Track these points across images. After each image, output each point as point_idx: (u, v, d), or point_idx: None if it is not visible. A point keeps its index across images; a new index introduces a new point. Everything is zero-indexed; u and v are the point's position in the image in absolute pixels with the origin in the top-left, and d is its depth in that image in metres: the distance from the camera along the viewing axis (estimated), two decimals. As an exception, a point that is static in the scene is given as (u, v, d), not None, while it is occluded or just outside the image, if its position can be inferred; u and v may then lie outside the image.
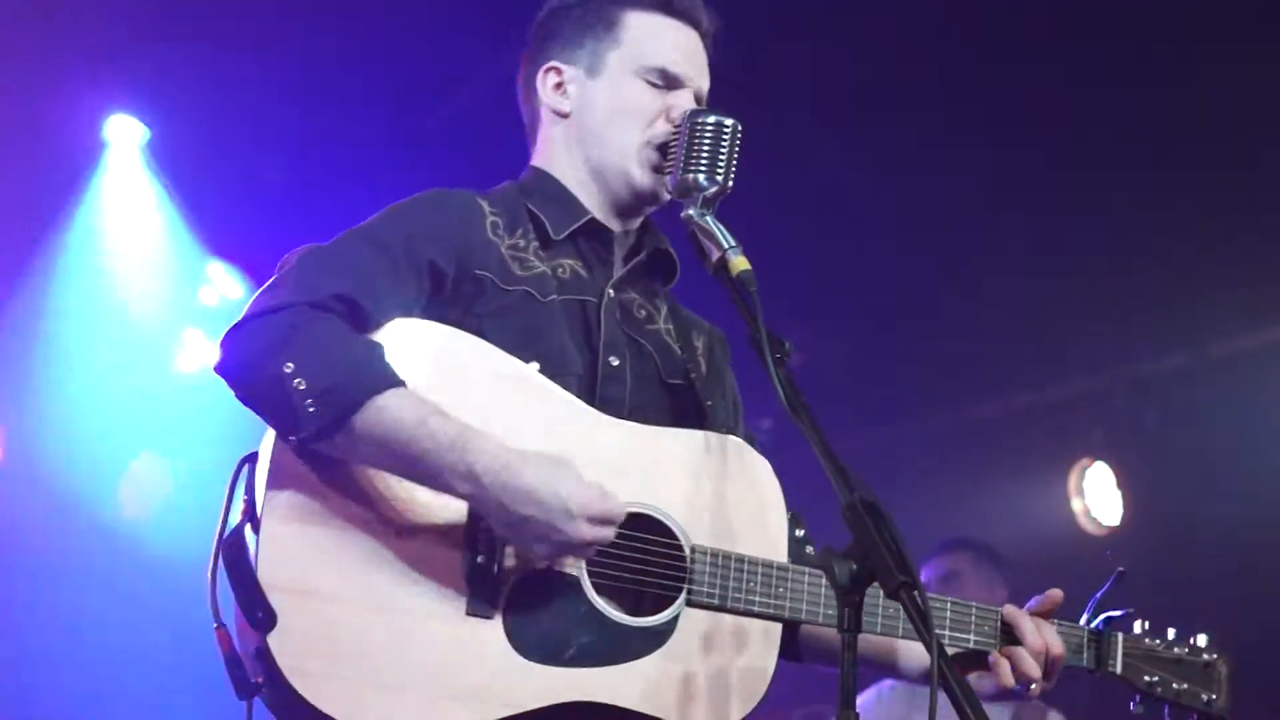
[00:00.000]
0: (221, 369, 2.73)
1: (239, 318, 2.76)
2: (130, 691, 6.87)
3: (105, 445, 7.19)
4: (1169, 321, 6.83)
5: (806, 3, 5.90)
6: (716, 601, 2.83)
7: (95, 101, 6.62)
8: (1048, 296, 6.81)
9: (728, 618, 2.86)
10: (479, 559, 2.71)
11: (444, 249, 2.90)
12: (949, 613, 3.05)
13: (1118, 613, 3.20)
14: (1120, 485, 7.36)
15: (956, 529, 6.30)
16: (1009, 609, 3.10)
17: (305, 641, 2.62)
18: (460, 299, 2.90)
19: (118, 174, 6.82)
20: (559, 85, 3.14)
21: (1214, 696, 3.22)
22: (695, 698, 2.82)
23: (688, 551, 2.84)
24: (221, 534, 2.71)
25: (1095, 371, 7.42)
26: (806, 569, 2.91)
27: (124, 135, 6.74)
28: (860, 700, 2.43)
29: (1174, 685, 3.20)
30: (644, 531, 2.83)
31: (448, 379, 2.76)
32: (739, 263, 2.83)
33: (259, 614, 2.61)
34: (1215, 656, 3.24)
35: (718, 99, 3.18)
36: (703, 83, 3.15)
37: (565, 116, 3.14)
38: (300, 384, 2.63)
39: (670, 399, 3.07)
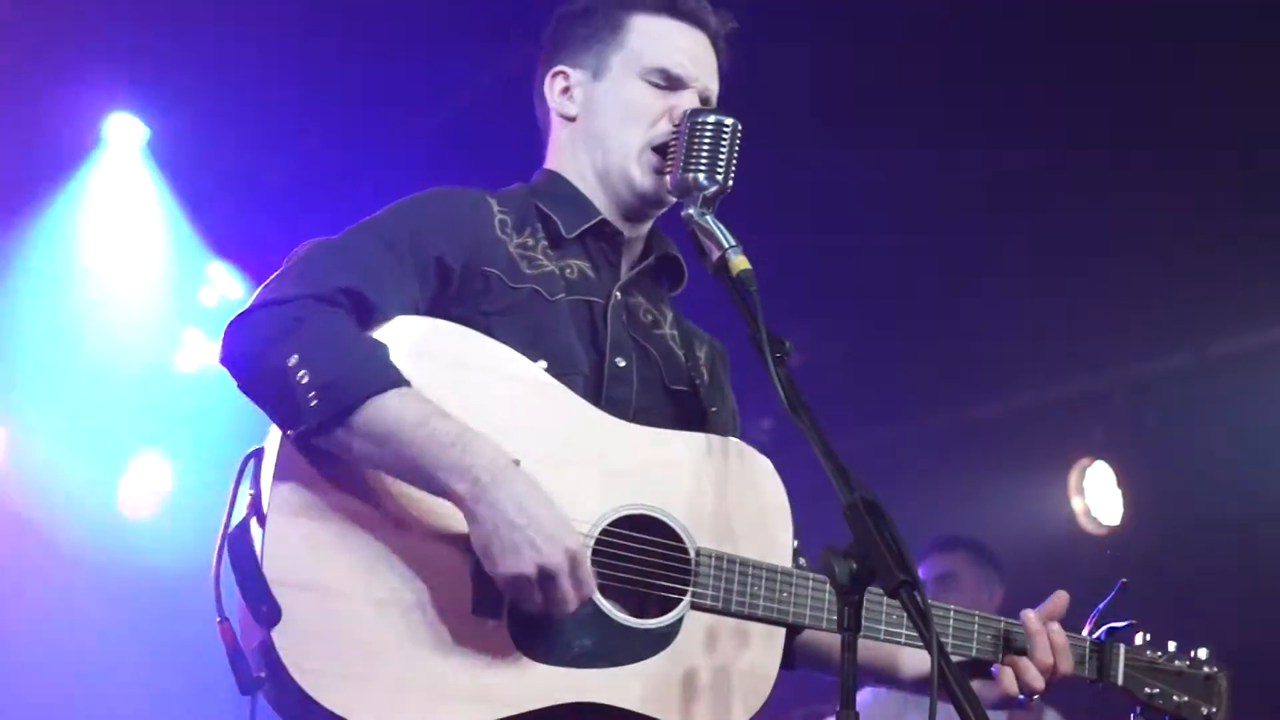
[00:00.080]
0: (225, 359, 2.72)
1: (243, 308, 2.74)
2: (131, 691, 6.88)
3: (105, 445, 7.20)
4: (1169, 321, 6.82)
5: (807, 3, 5.89)
6: (720, 605, 2.83)
7: (96, 99, 6.61)
8: (1048, 296, 6.81)
9: (731, 620, 2.86)
10: (485, 558, 2.71)
11: (452, 245, 2.90)
12: (951, 621, 3.06)
13: (1120, 624, 3.21)
14: (1120, 484, 7.35)
15: (957, 528, 6.30)
16: (1028, 619, 3.08)
17: (309, 637, 2.61)
18: (467, 296, 2.89)
19: (118, 173, 6.81)
20: (566, 89, 3.16)
21: (1214, 709, 3.22)
22: (698, 700, 2.82)
23: (693, 554, 2.84)
24: (226, 528, 2.71)
25: (1095, 371, 7.41)
26: (810, 574, 2.91)
27: (124, 134, 6.74)
28: (857, 699, 2.42)
29: (1175, 698, 3.20)
30: (649, 533, 2.83)
31: (455, 376, 2.75)
32: (739, 262, 2.83)
33: (263, 608, 2.60)
34: (1216, 670, 3.25)
35: (718, 98, 3.18)
36: (709, 84, 3.14)
37: (572, 120, 3.16)
38: (303, 376, 2.62)
39: (674, 404, 3.07)
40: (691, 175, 2.93)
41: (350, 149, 6.53)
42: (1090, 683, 3.19)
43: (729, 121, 2.95)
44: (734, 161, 2.95)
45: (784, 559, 2.94)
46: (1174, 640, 3.26)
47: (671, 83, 3.10)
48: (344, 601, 2.65)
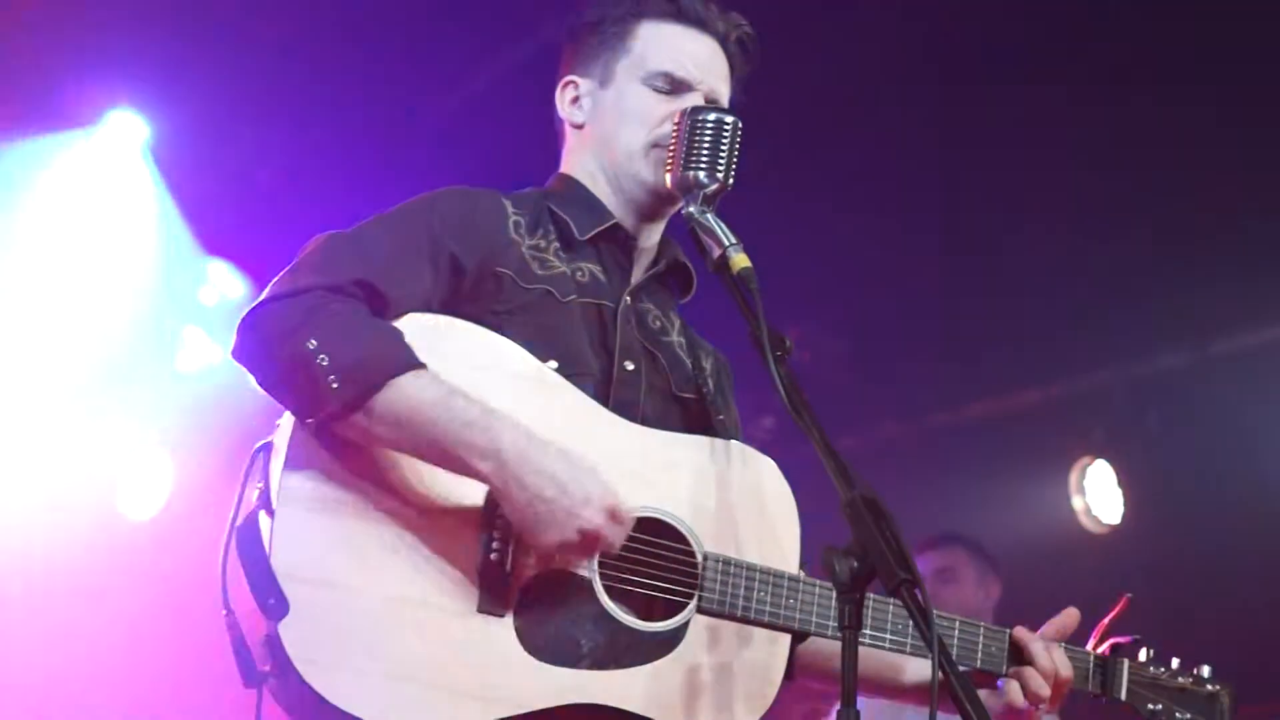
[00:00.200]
0: (239, 351, 2.72)
1: (256, 301, 2.74)
2: (133, 691, 6.87)
3: (105, 444, 7.19)
4: (1169, 320, 6.83)
5: (807, 3, 5.89)
6: (726, 609, 2.84)
7: (97, 96, 6.61)
8: (1049, 296, 6.81)
9: (737, 625, 2.86)
10: (493, 555, 2.71)
11: (466, 243, 2.91)
12: (956, 632, 3.06)
13: (1124, 639, 3.22)
14: (1121, 483, 7.36)
15: (957, 527, 6.30)
16: (1019, 631, 3.10)
17: (315, 630, 2.61)
18: (480, 295, 2.90)
19: (118, 170, 6.81)
20: (575, 99, 3.19)
21: None
22: (703, 703, 2.82)
23: (700, 558, 2.84)
24: (234, 521, 2.70)
25: (1095, 370, 7.41)
26: (817, 581, 2.91)
27: (125, 131, 6.73)
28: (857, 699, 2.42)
29: (1177, 714, 3.21)
30: (656, 536, 2.83)
31: (465, 374, 2.75)
32: (739, 260, 2.83)
33: (270, 601, 2.60)
34: (1219, 687, 3.25)
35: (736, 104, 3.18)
36: (716, 86, 3.14)
37: (580, 128, 3.18)
38: (324, 360, 2.62)
39: (680, 410, 3.08)
40: (692, 173, 2.93)
41: (351, 149, 6.53)
42: (1093, 697, 3.20)
43: (729, 119, 2.95)
44: (735, 159, 2.95)
45: (790, 558, 2.95)
46: (1175, 638, 3.26)
47: (675, 86, 3.10)
48: (351, 596, 2.65)
